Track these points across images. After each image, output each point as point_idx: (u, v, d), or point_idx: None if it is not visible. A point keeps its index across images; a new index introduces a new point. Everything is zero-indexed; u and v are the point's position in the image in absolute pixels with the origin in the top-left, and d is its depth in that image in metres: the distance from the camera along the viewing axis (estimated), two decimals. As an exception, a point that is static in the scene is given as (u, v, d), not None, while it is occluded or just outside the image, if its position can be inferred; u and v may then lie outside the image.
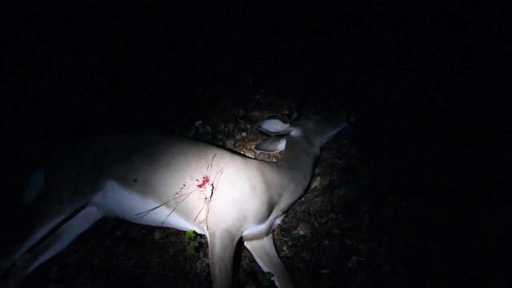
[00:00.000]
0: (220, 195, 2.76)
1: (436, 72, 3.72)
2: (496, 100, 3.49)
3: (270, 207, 2.85)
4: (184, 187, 2.79)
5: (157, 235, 3.06)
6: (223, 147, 3.49)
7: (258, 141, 3.50)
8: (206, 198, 2.75)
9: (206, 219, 2.71)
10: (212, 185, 2.77)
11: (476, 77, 3.61)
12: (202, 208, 2.75)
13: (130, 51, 4.50)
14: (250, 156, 3.42)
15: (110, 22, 4.62)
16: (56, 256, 2.94)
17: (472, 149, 3.25)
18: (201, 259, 2.88)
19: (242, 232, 2.77)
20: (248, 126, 3.67)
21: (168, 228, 3.07)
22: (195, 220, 2.77)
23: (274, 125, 3.22)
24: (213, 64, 4.25)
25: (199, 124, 3.74)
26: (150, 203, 2.84)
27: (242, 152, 3.46)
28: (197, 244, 2.84)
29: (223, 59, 4.15)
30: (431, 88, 3.64)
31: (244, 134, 3.64)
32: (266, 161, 3.24)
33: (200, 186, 2.77)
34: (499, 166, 3.12)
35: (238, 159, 2.97)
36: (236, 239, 2.71)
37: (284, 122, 3.23)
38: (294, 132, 3.21)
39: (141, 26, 4.62)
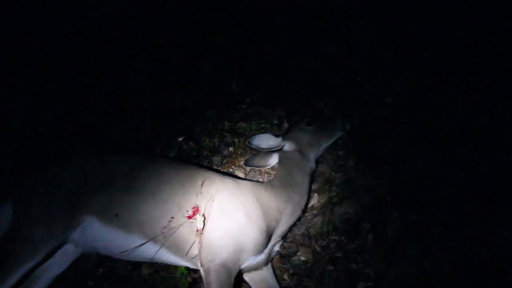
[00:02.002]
0: (213, 227, 2.49)
1: (433, 70, 3.53)
2: (498, 101, 3.33)
3: (268, 234, 2.60)
4: (172, 219, 2.52)
5: (145, 270, 2.78)
6: (210, 166, 3.23)
7: (247, 156, 3.22)
8: (197, 231, 2.48)
9: (199, 254, 2.45)
10: (204, 215, 2.50)
11: (476, 75, 3.44)
12: (194, 242, 2.48)
13: (103, 58, 4.08)
14: (240, 174, 3.16)
15: (80, 25, 4.25)
16: (31, 303, 2.63)
17: (478, 153, 3.09)
18: (194, 297, 2.63)
19: (240, 266, 2.51)
20: (235, 139, 3.37)
21: (157, 263, 2.79)
22: (187, 255, 2.49)
23: (266, 141, 2.92)
24: (192, 70, 3.88)
25: (182, 139, 3.41)
26: (136, 240, 2.54)
27: (230, 170, 3.20)
28: (190, 280, 2.59)
29: (202, 64, 3.80)
30: (429, 88, 3.44)
31: (231, 149, 3.36)
32: (259, 182, 2.98)
33: (190, 217, 2.50)
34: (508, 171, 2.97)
35: (229, 183, 2.70)
36: (234, 274, 2.45)
37: (275, 134, 2.95)
38: (287, 146, 2.94)
39: (113, 30, 4.24)
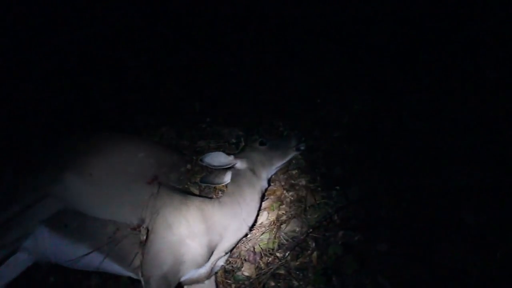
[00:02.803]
0: (155, 239, 2.59)
1: (390, 92, 3.64)
2: (452, 123, 3.42)
3: (210, 249, 2.68)
4: (117, 231, 2.63)
5: (94, 280, 2.87)
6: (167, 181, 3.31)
7: (204, 174, 3.33)
8: (141, 242, 2.59)
9: (141, 265, 2.54)
10: (147, 228, 2.61)
11: (430, 96, 3.55)
12: (137, 253, 2.59)
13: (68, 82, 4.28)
14: (195, 190, 3.24)
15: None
16: (-19, 308, 2.73)
17: (428, 177, 3.17)
18: (140, 307, 2.71)
19: (180, 278, 2.60)
20: (194, 157, 3.47)
21: (105, 273, 2.87)
22: (130, 265, 2.59)
23: (217, 158, 3.02)
24: (157, 90, 4.04)
25: (141, 155, 3.53)
26: (83, 249, 2.64)
27: (186, 186, 3.28)
28: (135, 290, 2.68)
29: (168, 85, 3.94)
30: (385, 110, 3.55)
31: (188, 166, 3.46)
32: (208, 198, 3.07)
33: (134, 229, 2.61)
34: (455, 197, 3.04)
35: (176, 198, 2.80)
36: (173, 286, 2.54)
37: (227, 153, 3.05)
38: (239, 164, 3.04)
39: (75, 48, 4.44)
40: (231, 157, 3.05)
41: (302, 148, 3.26)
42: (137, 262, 2.55)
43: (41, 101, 4.08)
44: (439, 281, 2.64)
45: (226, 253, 2.87)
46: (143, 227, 2.60)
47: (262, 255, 2.93)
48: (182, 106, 3.95)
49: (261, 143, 3.17)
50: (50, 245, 2.74)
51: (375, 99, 3.61)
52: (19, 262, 2.87)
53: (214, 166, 3.02)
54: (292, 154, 3.23)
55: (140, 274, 2.54)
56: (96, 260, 2.65)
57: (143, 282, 2.52)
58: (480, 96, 3.62)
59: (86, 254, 2.64)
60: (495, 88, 3.66)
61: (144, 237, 2.57)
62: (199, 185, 3.34)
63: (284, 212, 3.13)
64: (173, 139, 3.65)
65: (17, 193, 2.76)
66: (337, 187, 3.18)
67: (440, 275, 2.66)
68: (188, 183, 3.33)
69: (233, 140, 3.62)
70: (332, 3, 4.48)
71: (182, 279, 2.63)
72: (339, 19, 4.38)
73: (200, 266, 2.65)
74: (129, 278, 2.67)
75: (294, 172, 3.33)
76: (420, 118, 3.45)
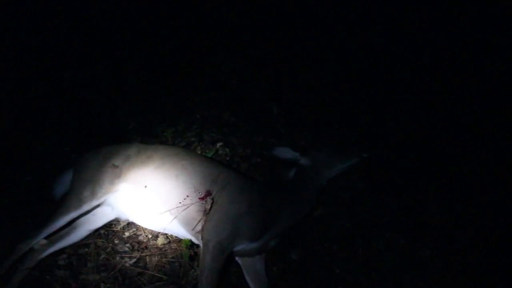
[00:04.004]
0: (218, 210, 2.93)
1: (462, 113, 3.79)
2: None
3: (264, 227, 2.98)
4: (187, 197, 3.01)
5: (160, 240, 3.26)
6: (237, 169, 3.70)
7: (272, 167, 3.68)
8: (205, 211, 2.96)
9: (202, 230, 2.91)
10: (213, 199, 2.97)
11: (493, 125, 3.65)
12: (201, 220, 2.95)
13: (171, 71, 4.92)
14: (260, 180, 3.58)
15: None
16: (68, 246, 3.21)
17: (481, 192, 3.26)
18: (195, 268, 3.05)
19: (234, 247, 2.92)
20: (265, 152, 3.86)
21: (171, 236, 3.28)
22: (193, 229, 2.96)
23: (284, 153, 3.37)
24: (244, 92, 4.52)
25: (220, 145, 3.98)
26: (156, 209, 3.06)
27: (254, 176, 3.63)
28: (192, 254, 3.03)
29: (255, 88, 4.40)
30: (450, 135, 3.69)
31: (259, 159, 3.83)
32: (270, 186, 3.39)
33: (201, 198, 2.96)
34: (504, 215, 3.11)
35: (242, 179, 3.15)
36: (227, 252, 2.86)
37: (295, 151, 3.39)
38: (304, 162, 3.34)
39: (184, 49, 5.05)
40: (297, 154, 3.36)
41: (365, 155, 3.46)
42: (199, 227, 2.91)
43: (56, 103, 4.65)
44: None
45: (279, 236, 3.15)
46: (209, 198, 2.97)
47: (311, 243, 3.20)
48: (261, 108, 4.39)
49: (326, 145, 3.46)
50: (129, 202, 3.20)
51: (441, 125, 3.79)
52: (103, 214, 3.36)
53: (280, 158, 3.37)
54: (354, 159, 3.41)
55: (200, 238, 2.89)
56: (165, 221, 3.04)
57: (201, 245, 2.86)
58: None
59: (158, 214, 3.07)
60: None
61: (209, 207, 2.93)
62: (266, 176, 3.70)
63: (338, 209, 3.39)
64: (249, 134, 4.09)
65: (75, 201, 3.16)
66: (392, 194, 3.38)
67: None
68: (256, 174, 3.70)
69: (302, 142, 3.96)
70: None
71: (236, 249, 2.94)
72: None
73: (253, 240, 2.95)
74: (190, 240, 3.02)
75: (353, 176, 3.58)
76: (483, 140, 3.57)
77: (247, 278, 2.98)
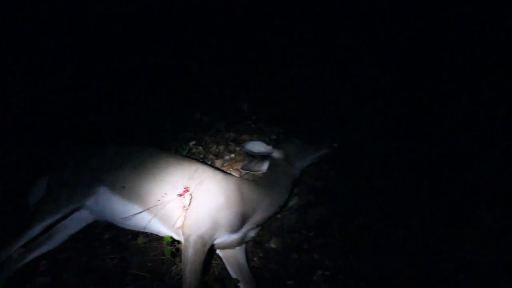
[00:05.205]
0: (197, 204, 3.00)
1: (422, 102, 3.98)
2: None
3: (243, 219, 3.06)
4: (165, 195, 3.06)
5: (141, 240, 3.29)
6: (212, 165, 3.76)
7: (245, 162, 3.75)
8: (184, 207, 3.01)
9: (183, 226, 2.96)
10: (191, 195, 3.02)
11: (458, 112, 3.85)
12: (180, 216, 3.00)
13: (143, 75, 4.96)
14: (235, 175, 3.66)
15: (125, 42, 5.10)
16: (47, 252, 3.21)
17: (448, 176, 3.45)
18: (177, 263, 3.08)
19: (214, 240, 2.98)
20: (237, 148, 3.98)
21: (151, 234, 3.30)
22: (173, 226, 3.02)
23: (257, 147, 3.46)
24: (215, 92, 4.60)
25: (193, 144, 4.06)
26: (135, 208, 3.10)
27: (228, 172, 3.71)
28: (174, 250, 3.05)
29: (224, 88, 4.49)
30: (415, 119, 3.87)
31: (232, 155, 3.93)
32: (246, 179, 3.48)
33: (180, 195, 3.01)
34: (469, 195, 3.28)
35: (218, 174, 3.23)
36: (208, 245, 2.91)
37: (267, 143, 3.48)
38: (276, 154, 3.46)
39: (152, 53, 5.06)
40: (270, 147, 3.46)
41: (335, 145, 3.61)
42: (179, 223, 2.97)
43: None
44: (448, 269, 2.87)
45: (258, 226, 3.23)
46: (187, 194, 3.02)
47: (289, 231, 3.29)
48: (233, 105, 4.50)
49: (297, 137, 3.57)
50: (108, 204, 3.22)
51: (408, 107, 3.97)
52: (82, 218, 3.39)
53: (253, 152, 3.46)
54: (325, 150, 3.58)
55: (181, 233, 2.95)
56: (145, 219, 3.09)
57: (182, 241, 2.91)
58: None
59: (138, 213, 3.09)
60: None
61: (188, 203, 2.99)
62: (240, 171, 3.78)
63: (313, 198, 3.50)
64: (221, 131, 4.17)
65: (52, 206, 3.19)
66: (363, 181, 3.52)
67: (449, 264, 2.90)
68: (230, 169, 3.78)
69: (274, 136, 4.08)
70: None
71: (217, 241, 2.99)
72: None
73: (233, 231, 3.02)
74: (171, 237, 3.05)
75: (325, 166, 3.71)
76: (447, 125, 3.76)
77: (229, 269, 3.03)
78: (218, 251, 3.16)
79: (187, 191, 3.05)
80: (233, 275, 3.00)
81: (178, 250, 3.12)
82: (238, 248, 3.13)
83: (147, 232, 3.27)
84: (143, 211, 3.09)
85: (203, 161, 3.90)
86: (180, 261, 3.05)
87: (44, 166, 3.80)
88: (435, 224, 3.14)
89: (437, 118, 3.91)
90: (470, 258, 2.90)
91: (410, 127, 3.92)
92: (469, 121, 3.91)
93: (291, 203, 3.48)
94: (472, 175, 3.41)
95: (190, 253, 2.81)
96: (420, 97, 4.24)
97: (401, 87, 4.38)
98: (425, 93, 4.27)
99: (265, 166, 3.52)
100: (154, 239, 3.31)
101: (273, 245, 3.21)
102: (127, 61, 5.26)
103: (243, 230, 3.11)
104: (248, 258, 3.11)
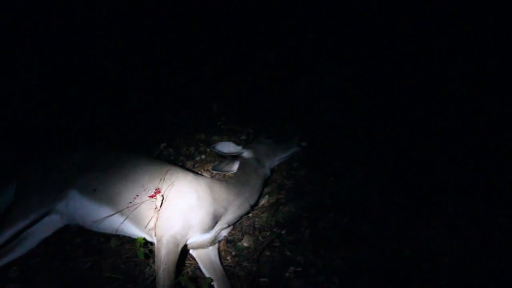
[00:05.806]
0: (169, 205, 3.03)
1: (387, 102, 4.11)
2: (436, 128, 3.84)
3: (215, 218, 3.10)
4: (137, 197, 3.08)
5: (113, 242, 3.29)
6: (182, 166, 3.79)
7: (215, 163, 3.82)
8: (156, 208, 3.03)
9: (155, 227, 2.98)
10: (163, 196, 3.05)
11: (426, 107, 3.99)
12: (152, 217, 3.02)
13: (112, 77, 4.94)
14: (206, 175, 3.70)
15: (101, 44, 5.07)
16: (18, 258, 3.17)
17: (415, 173, 3.56)
18: (150, 265, 3.10)
19: (187, 240, 3.02)
20: (208, 149, 4.00)
21: (124, 237, 3.31)
22: (145, 227, 3.03)
23: (227, 147, 3.52)
24: (184, 94, 4.63)
25: (164, 146, 4.08)
26: (106, 211, 3.11)
27: (199, 173, 3.75)
28: (147, 251, 3.05)
29: (192, 89, 4.53)
30: (381, 115, 3.99)
31: (203, 156, 3.97)
32: (217, 179, 3.52)
33: (151, 196, 3.05)
34: (434, 190, 3.40)
35: (189, 175, 3.27)
36: (181, 245, 2.94)
37: (237, 143, 3.53)
38: (246, 154, 3.53)
39: (121, 55, 5.06)
40: (239, 147, 3.53)
41: (304, 144, 3.73)
42: (151, 224, 2.99)
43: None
44: (415, 259, 2.96)
45: (229, 226, 3.29)
46: (159, 195, 3.05)
47: (261, 230, 3.34)
48: (202, 107, 4.52)
49: (267, 137, 3.63)
50: (79, 207, 3.22)
51: (374, 106, 4.09)
52: (52, 223, 3.35)
53: (223, 153, 3.50)
54: (294, 149, 3.70)
55: (153, 234, 2.96)
56: (117, 222, 3.10)
57: (155, 241, 2.93)
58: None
59: (109, 216, 3.10)
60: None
61: (160, 204, 3.02)
62: (211, 172, 3.82)
63: (283, 196, 3.56)
64: (191, 133, 4.18)
65: (22, 211, 3.17)
66: (332, 178, 3.60)
67: (417, 255, 3.00)
68: (202, 170, 3.82)
69: (244, 137, 4.14)
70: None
71: (189, 241, 3.03)
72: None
73: (205, 231, 3.06)
74: (144, 238, 3.06)
75: (295, 164, 3.78)
76: (411, 122, 3.90)
77: (203, 269, 3.05)
78: (191, 251, 3.18)
79: (159, 192, 3.09)
80: (207, 274, 3.02)
81: (151, 251, 3.12)
82: (211, 247, 3.16)
83: (119, 235, 3.26)
84: (115, 213, 3.11)
85: (174, 162, 3.92)
86: (154, 262, 3.07)
87: (11, 171, 3.75)
88: (402, 218, 3.23)
89: (404, 115, 4.03)
90: (435, 248, 3.01)
91: (377, 125, 4.03)
92: (434, 119, 4.04)
93: (262, 201, 3.54)
94: (437, 171, 3.53)
95: (163, 254, 2.84)
96: (387, 95, 4.36)
97: (369, 84, 4.50)
98: (392, 91, 4.40)
99: (235, 166, 3.61)
100: (127, 241, 3.31)
101: (245, 244, 3.26)
102: (96, 63, 5.24)
103: (215, 229, 3.16)
104: (221, 257, 3.14)
